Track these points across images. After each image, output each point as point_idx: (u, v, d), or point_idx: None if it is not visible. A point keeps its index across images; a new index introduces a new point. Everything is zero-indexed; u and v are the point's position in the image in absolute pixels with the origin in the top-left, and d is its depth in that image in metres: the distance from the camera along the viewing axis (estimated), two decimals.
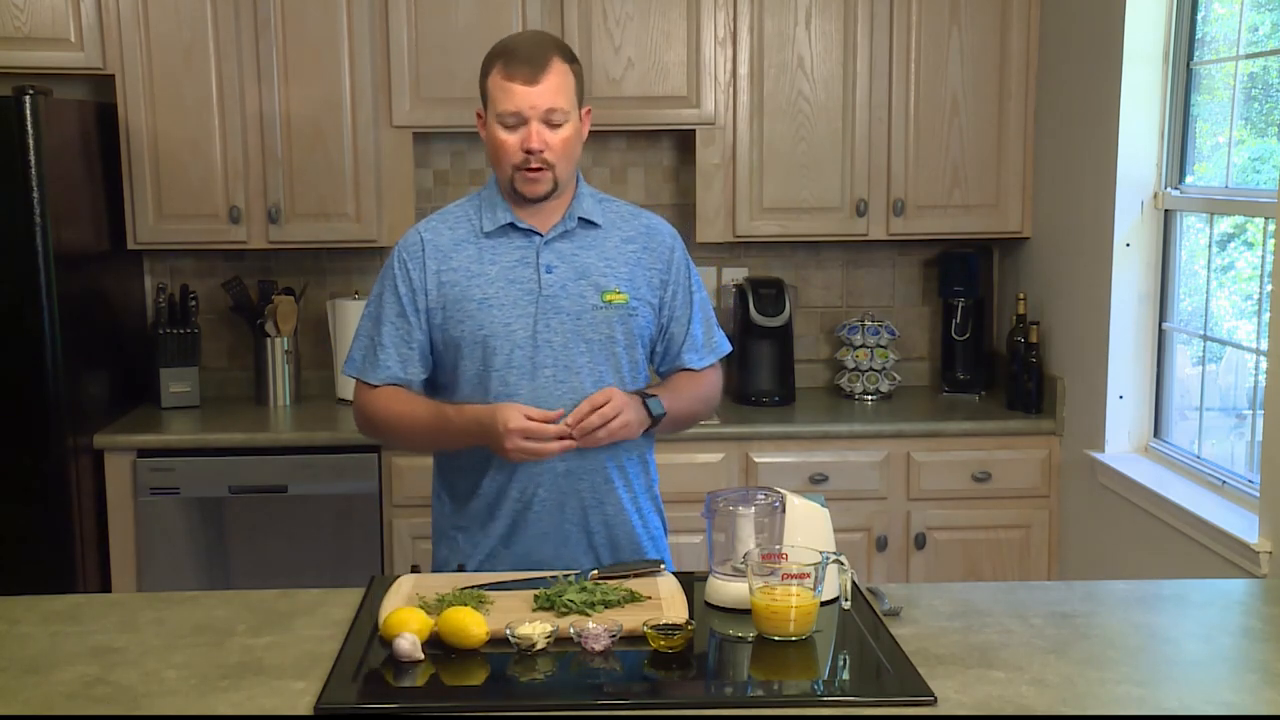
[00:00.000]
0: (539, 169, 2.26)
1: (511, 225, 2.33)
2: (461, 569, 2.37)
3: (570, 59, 2.29)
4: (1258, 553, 2.76)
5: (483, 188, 2.40)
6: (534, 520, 2.34)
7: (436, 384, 2.41)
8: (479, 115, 2.33)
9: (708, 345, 2.48)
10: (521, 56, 2.24)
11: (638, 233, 2.41)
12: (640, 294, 2.37)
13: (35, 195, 3.43)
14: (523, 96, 2.23)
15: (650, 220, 2.45)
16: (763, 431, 3.82)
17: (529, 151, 2.24)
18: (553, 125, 2.25)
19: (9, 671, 1.86)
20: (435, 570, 2.46)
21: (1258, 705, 1.76)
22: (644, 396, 2.30)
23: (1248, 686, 1.85)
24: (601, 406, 2.21)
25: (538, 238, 2.33)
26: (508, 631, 1.88)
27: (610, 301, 2.33)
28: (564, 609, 1.98)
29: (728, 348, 2.54)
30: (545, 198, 2.31)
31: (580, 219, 2.35)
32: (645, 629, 1.89)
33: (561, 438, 2.19)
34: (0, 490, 3.52)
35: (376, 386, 2.38)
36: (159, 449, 3.70)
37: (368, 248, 4.10)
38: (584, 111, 2.33)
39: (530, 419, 2.17)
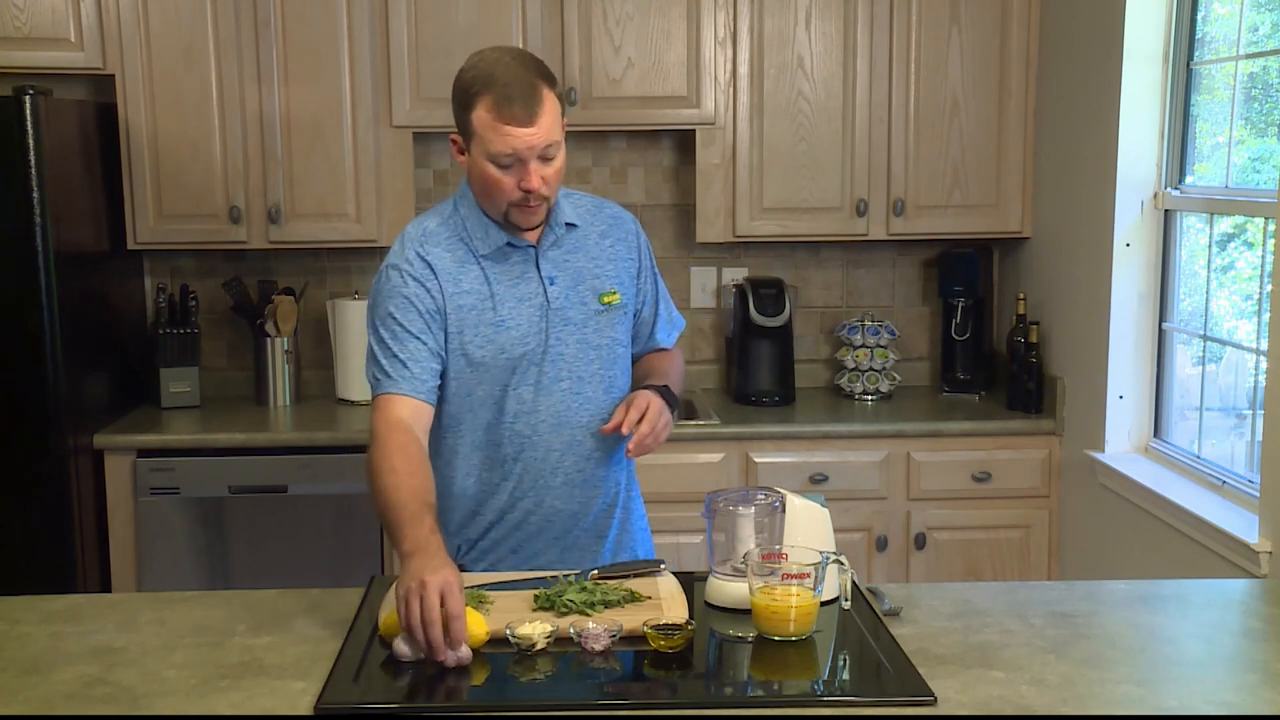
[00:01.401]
0: (538, 203, 2.21)
1: (509, 244, 2.28)
2: (462, 569, 2.37)
3: (553, 83, 2.19)
4: (1258, 553, 2.76)
5: (457, 201, 2.31)
6: (548, 529, 2.35)
7: (448, 406, 2.31)
8: (454, 142, 2.23)
9: (670, 321, 2.51)
10: (514, 95, 2.12)
11: (609, 225, 2.39)
12: (625, 288, 2.37)
13: (35, 195, 3.43)
14: (519, 139, 2.13)
15: (613, 209, 2.43)
16: (763, 431, 3.82)
17: (528, 191, 2.18)
18: (548, 160, 2.19)
19: (9, 671, 1.86)
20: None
21: (1258, 705, 1.76)
22: (657, 389, 2.29)
23: (1248, 686, 1.85)
24: (645, 412, 2.20)
25: (532, 250, 2.30)
26: (508, 631, 1.88)
27: (608, 304, 2.33)
28: (564, 609, 1.98)
29: (684, 321, 2.58)
30: (539, 226, 2.28)
31: (567, 224, 2.33)
32: (645, 629, 1.89)
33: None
34: (0, 490, 3.52)
35: (406, 407, 2.19)
36: (159, 449, 3.70)
37: (368, 248, 4.10)
38: (563, 124, 2.25)
39: (460, 615, 1.83)
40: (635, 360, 2.47)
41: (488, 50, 2.24)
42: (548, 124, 2.15)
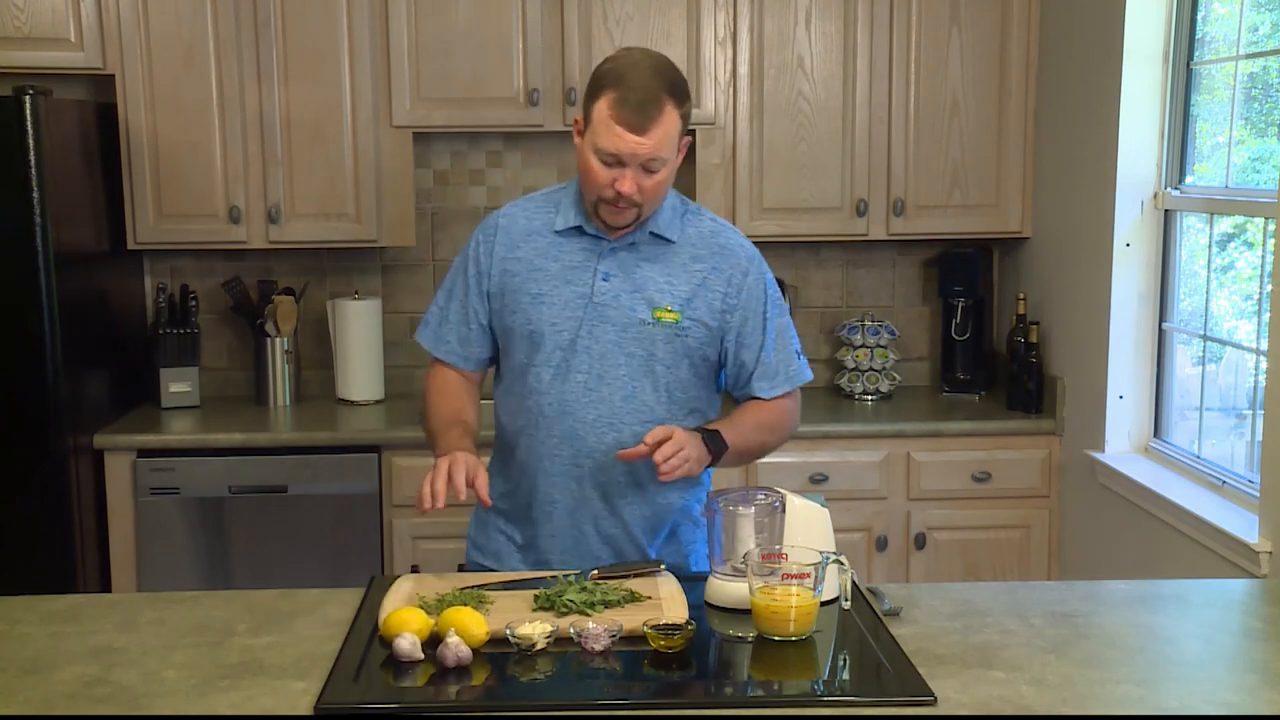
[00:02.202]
0: (627, 207, 2.22)
1: (579, 228, 2.30)
2: (462, 569, 2.37)
3: (682, 101, 2.20)
4: (1258, 553, 2.76)
5: (572, 179, 2.35)
6: (545, 522, 2.35)
7: (503, 359, 2.41)
8: (576, 122, 2.26)
9: (783, 374, 2.39)
10: (634, 101, 2.14)
11: (710, 252, 2.34)
12: (697, 314, 2.31)
13: (35, 195, 3.43)
14: (626, 144, 2.15)
15: (728, 240, 2.37)
16: None
17: (620, 193, 2.19)
18: (651, 171, 2.19)
19: (9, 671, 1.86)
20: (470, 551, 2.48)
21: (1258, 705, 1.76)
22: (703, 432, 2.25)
23: (1248, 686, 1.85)
24: (661, 443, 2.14)
25: (604, 243, 2.30)
26: (508, 631, 1.88)
27: (660, 319, 2.29)
28: (564, 609, 1.99)
29: (807, 376, 2.43)
30: (626, 228, 2.28)
31: (652, 233, 2.31)
32: (645, 629, 1.89)
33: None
34: (0, 490, 3.52)
35: (442, 364, 2.42)
36: (159, 449, 3.70)
37: (368, 248, 4.10)
38: (682, 143, 2.25)
39: (476, 483, 2.14)
40: (738, 401, 2.43)
41: (635, 49, 2.30)
42: (659, 137, 2.17)
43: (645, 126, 2.15)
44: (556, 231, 2.32)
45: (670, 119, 2.18)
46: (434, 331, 2.41)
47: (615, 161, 2.18)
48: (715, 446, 2.25)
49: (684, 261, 2.33)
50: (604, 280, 2.29)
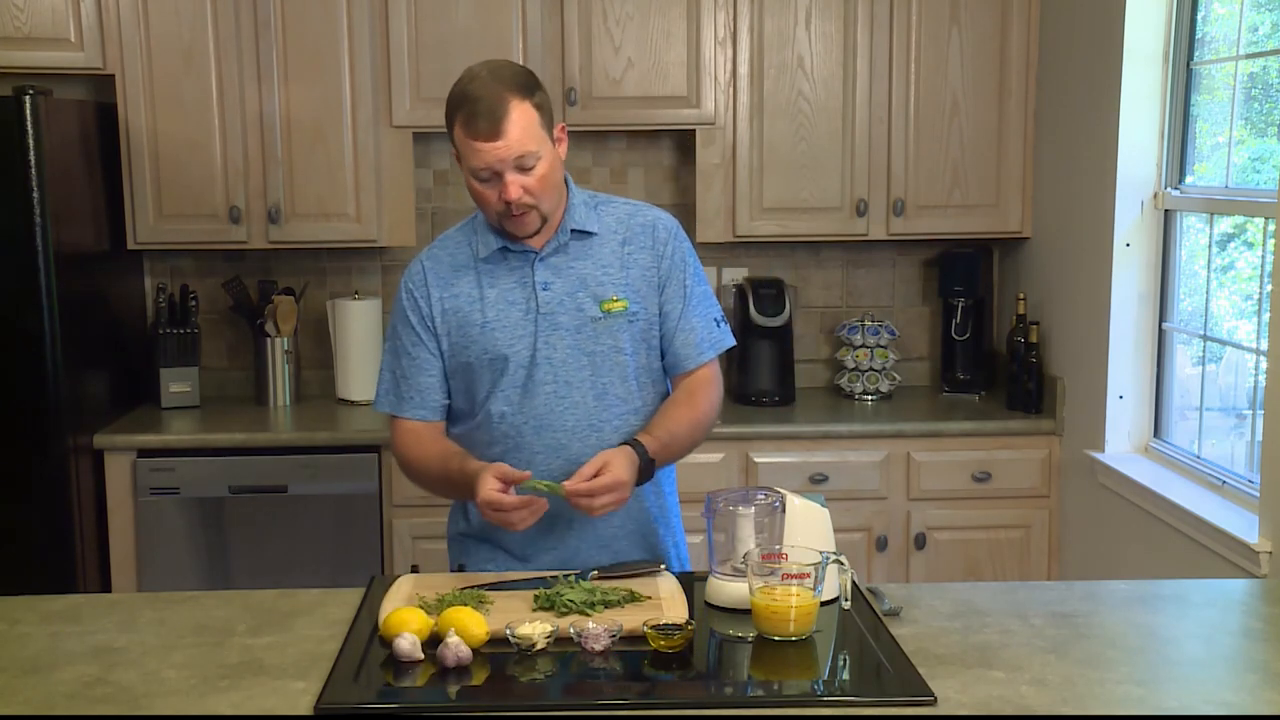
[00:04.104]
0: (523, 212, 2.23)
1: (505, 249, 2.32)
2: (462, 569, 2.37)
3: (529, 92, 2.20)
4: (1258, 553, 2.76)
5: (476, 211, 2.36)
6: (542, 537, 2.34)
7: (457, 407, 2.40)
8: (454, 154, 2.27)
9: (708, 340, 2.38)
10: (481, 110, 2.16)
11: (633, 232, 2.36)
12: (640, 296, 2.34)
13: (35, 195, 3.43)
14: (489, 153, 2.17)
15: (648, 216, 2.39)
16: (763, 431, 3.82)
17: (508, 202, 2.21)
18: (526, 169, 2.20)
19: (9, 671, 1.86)
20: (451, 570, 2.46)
21: (1258, 705, 1.76)
22: (633, 444, 2.22)
23: (1248, 686, 1.85)
24: (593, 477, 2.13)
25: (532, 255, 2.31)
26: (508, 631, 1.88)
27: (609, 310, 2.31)
28: (564, 609, 1.99)
29: (730, 341, 2.43)
30: (536, 233, 2.29)
31: (573, 231, 2.32)
32: (645, 629, 1.89)
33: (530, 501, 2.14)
34: (0, 490, 3.52)
35: (408, 422, 2.37)
36: (159, 449, 3.70)
37: (368, 248, 4.10)
38: (558, 129, 2.27)
39: (505, 478, 2.13)
40: (672, 377, 2.41)
41: (474, 65, 2.27)
42: (517, 135, 2.17)
43: (497, 131, 2.16)
44: (483, 259, 2.33)
45: (521, 112, 2.18)
46: (394, 395, 2.38)
47: (490, 175, 2.20)
48: (645, 458, 2.21)
49: (613, 249, 2.35)
50: (544, 290, 2.30)
